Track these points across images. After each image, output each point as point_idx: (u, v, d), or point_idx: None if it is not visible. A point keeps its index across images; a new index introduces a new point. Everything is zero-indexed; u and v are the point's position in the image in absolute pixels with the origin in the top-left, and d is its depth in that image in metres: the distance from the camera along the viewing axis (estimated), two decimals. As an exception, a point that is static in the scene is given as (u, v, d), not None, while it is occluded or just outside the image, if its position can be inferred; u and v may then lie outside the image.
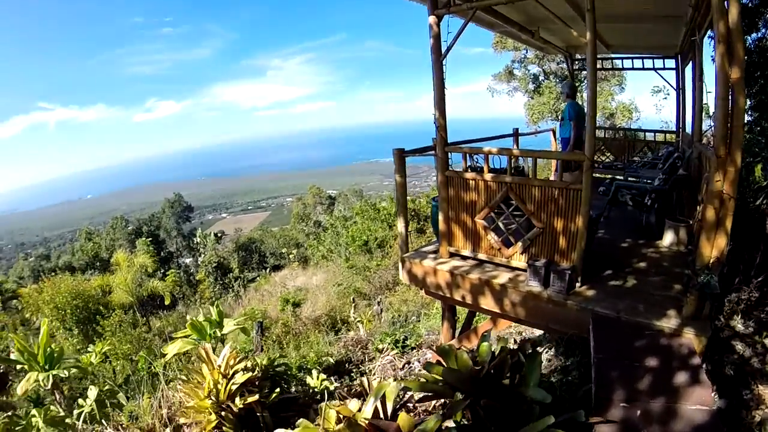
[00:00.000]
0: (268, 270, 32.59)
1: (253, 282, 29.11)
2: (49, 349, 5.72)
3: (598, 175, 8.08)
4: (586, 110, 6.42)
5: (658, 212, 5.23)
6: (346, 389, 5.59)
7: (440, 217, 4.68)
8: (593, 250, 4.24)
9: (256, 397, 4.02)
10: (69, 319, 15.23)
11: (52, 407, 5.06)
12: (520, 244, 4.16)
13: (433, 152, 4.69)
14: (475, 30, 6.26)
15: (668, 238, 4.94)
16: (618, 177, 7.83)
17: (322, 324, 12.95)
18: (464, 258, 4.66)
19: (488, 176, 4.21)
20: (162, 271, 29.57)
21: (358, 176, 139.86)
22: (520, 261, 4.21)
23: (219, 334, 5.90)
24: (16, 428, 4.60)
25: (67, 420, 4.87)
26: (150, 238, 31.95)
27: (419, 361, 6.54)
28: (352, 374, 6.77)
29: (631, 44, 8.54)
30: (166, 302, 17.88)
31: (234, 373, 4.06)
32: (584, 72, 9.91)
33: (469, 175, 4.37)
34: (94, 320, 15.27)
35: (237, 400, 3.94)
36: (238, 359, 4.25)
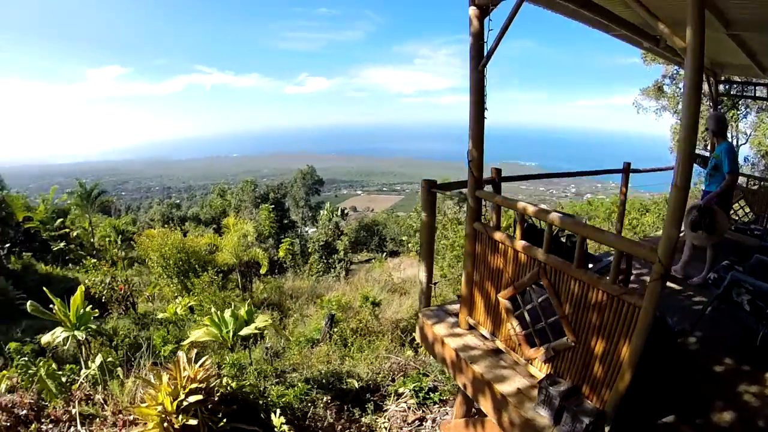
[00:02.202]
0: (384, 255, 32.62)
1: (368, 263, 29.25)
2: (82, 311, 5.73)
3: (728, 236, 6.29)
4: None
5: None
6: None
7: (463, 278, 3.78)
8: (659, 370, 3.04)
9: (196, 422, 3.79)
10: (171, 269, 16.09)
11: (52, 365, 5.21)
12: (543, 349, 3.07)
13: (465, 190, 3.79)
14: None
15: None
16: (747, 242, 6.12)
17: (401, 330, 12.38)
18: (483, 337, 3.72)
19: (519, 245, 3.15)
20: (278, 237, 30.75)
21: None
22: (540, 370, 3.14)
23: (242, 332, 5.66)
24: (29, 371, 5.06)
25: (63, 378, 5.10)
26: (273, 205, 33.27)
27: (433, 423, 5.70)
28: (368, 408, 6.09)
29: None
30: (262, 271, 18.27)
31: (189, 392, 3.79)
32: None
33: (498, 235, 3.35)
34: (193, 274, 16.06)
35: (180, 416, 3.76)
36: (204, 375, 3.94)
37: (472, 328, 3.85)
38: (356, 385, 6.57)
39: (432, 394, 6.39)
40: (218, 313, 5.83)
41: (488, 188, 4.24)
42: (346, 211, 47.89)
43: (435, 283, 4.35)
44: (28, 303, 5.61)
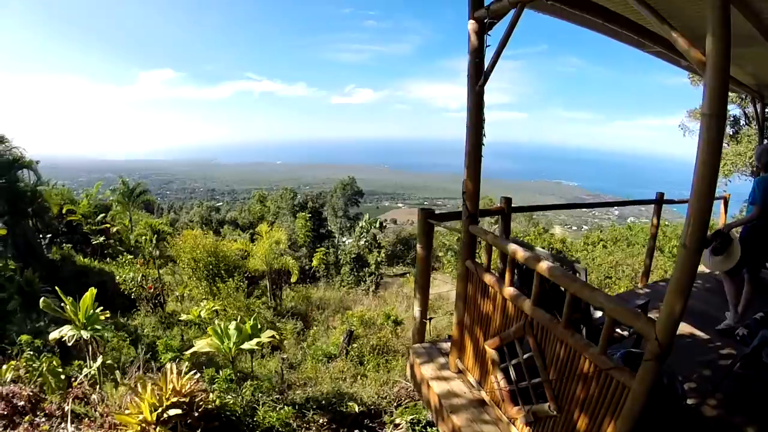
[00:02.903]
0: None
1: (403, 276, 29.09)
2: (91, 311, 5.79)
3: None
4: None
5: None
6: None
7: (454, 318, 3.54)
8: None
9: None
10: (200, 271, 16.32)
11: (54, 361, 5.32)
12: (524, 411, 2.79)
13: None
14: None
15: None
16: None
17: None
18: (470, 384, 3.45)
19: (507, 292, 2.85)
20: (314, 246, 30.95)
21: (537, 194, 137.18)
22: (520, 431, 2.86)
23: (244, 346, 5.58)
24: (34, 365, 5.23)
25: (62, 375, 5.14)
26: (311, 214, 33.52)
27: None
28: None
29: None
30: (292, 279, 18.39)
31: (170, 405, 3.75)
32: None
33: (488, 278, 3.08)
34: (221, 278, 16.25)
35: (159, 428, 3.76)
36: (189, 389, 3.87)
37: (461, 372, 3.60)
38: (357, 410, 6.37)
39: (429, 429, 6.07)
40: (221, 324, 5.76)
41: (490, 220, 4.05)
42: (384, 224, 47.85)
43: (430, 319, 4.18)
44: (41, 299, 5.70)
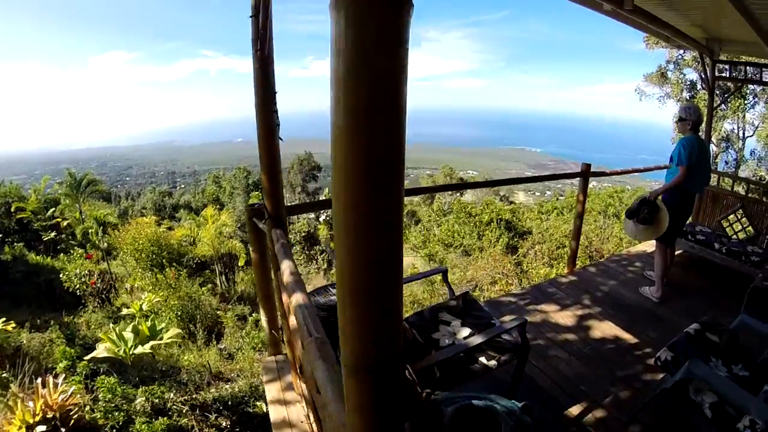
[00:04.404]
0: None
1: None
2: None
3: (714, 259, 5.57)
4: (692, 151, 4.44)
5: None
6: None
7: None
8: None
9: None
10: (143, 261, 16.31)
11: None
12: None
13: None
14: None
15: None
16: (741, 270, 5.19)
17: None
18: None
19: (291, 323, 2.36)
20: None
21: (501, 161, 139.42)
22: None
23: (137, 351, 5.77)
24: None
25: None
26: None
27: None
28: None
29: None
30: (240, 263, 18.50)
31: (40, 421, 3.96)
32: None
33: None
34: (167, 266, 16.24)
35: None
36: (61, 403, 4.14)
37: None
38: (264, 410, 5.63)
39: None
40: (116, 329, 5.96)
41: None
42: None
43: (281, 329, 3.56)
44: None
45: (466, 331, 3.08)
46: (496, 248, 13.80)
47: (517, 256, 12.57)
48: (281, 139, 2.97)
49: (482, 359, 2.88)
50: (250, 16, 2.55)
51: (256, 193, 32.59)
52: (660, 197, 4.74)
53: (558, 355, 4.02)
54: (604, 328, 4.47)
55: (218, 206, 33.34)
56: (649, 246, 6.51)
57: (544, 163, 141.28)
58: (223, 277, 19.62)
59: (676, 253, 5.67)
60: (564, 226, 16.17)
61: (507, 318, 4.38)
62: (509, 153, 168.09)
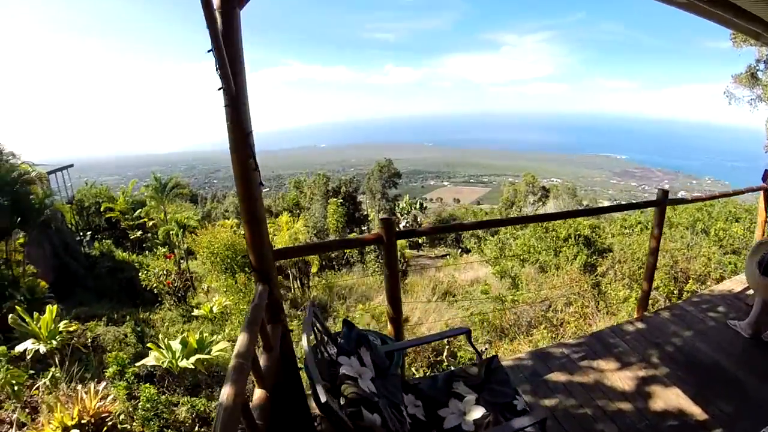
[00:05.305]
0: (460, 251, 32.18)
1: (443, 258, 29.02)
2: (53, 325, 6.17)
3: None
4: None
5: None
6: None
7: None
8: None
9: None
10: (218, 265, 16.83)
11: (14, 370, 5.53)
12: None
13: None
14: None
15: None
16: None
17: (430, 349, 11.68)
18: None
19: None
20: (349, 231, 31.40)
21: (585, 168, 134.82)
22: None
23: (182, 364, 5.72)
24: None
25: (20, 380, 5.38)
26: (343, 199, 33.78)
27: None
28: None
29: None
30: (313, 270, 18.79)
31: (75, 425, 4.00)
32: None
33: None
34: (239, 270, 16.70)
35: None
36: (96, 410, 4.15)
37: None
38: None
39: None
40: (165, 340, 6.00)
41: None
42: (425, 204, 47.67)
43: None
44: (10, 316, 6.16)
45: (478, 412, 2.54)
46: (573, 266, 12.94)
47: (596, 275, 11.68)
48: (263, 185, 2.71)
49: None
50: (208, 51, 2.06)
51: (334, 199, 33.11)
52: None
53: (605, 430, 3.33)
54: (668, 397, 3.67)
55: (298, 211, 34.21)
56: (738, 284, 5.58)
57: (630, 170, 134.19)
58: (297, 282, 19.97)
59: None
60: (647, 243, 14.77)
61: (527, 398, 3.53)
62: (593, 160, 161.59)
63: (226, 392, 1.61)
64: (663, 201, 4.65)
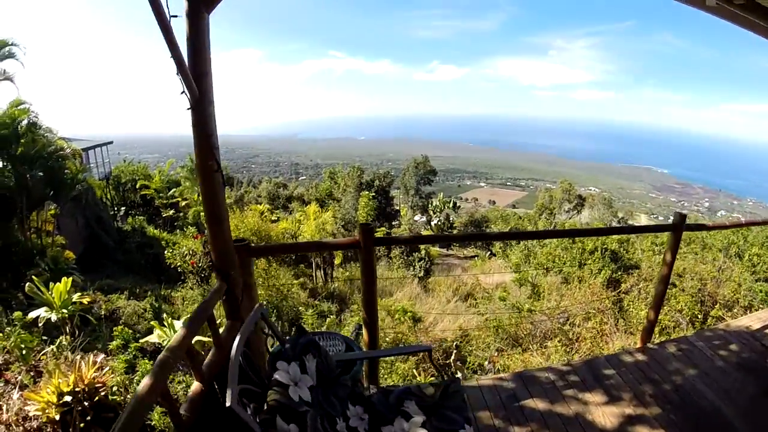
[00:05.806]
0: (488, 254, 32.13)
1: (472, 259, 28.95)
2: (66, 295, 6.47)
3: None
4: None
5: None
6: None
7: None
8: None
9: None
10: (246, 248, 17.07)
11: (25, 335, 5.87)
12: None
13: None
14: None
15: None
16: None
17: (443, 351, 11.56)
18: None
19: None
20: (378, 225, 31.57)
21: (624, 180, 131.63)
22: None
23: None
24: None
25: (30, 344, 5.70)
26: (375, 193, 33.92)
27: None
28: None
29: None
30: (336, 262, 19.03)
31: (68, 392, 4.14)
32: None
33: None
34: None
35: (56, 409, 4.13)
36: (90, 381, 4.35)
37: None
38: None
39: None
40: (169, 319, 6.22)
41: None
42: (458, 204, 47.46)
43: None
44: (27, 284, 6.49)
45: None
46: (596, 280, 12.71)
47: (618, 292, 11.44)
48: (227, 185, 2.80)
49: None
50: (171, 57, 2.00)
51: (367, 192, 33.24)
52: None
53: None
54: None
55: (330, 202, 34.48)
56: (757, 321, 5.10)
57: (671, 185, 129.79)
58: (321, 271, 20.21)
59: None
60: (678, 262, 14.32)
61: (498, 422, 3.37)
62: (633, 171, 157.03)
63: (143, 383, 1.72)
64: (679, 226, 4.36)
